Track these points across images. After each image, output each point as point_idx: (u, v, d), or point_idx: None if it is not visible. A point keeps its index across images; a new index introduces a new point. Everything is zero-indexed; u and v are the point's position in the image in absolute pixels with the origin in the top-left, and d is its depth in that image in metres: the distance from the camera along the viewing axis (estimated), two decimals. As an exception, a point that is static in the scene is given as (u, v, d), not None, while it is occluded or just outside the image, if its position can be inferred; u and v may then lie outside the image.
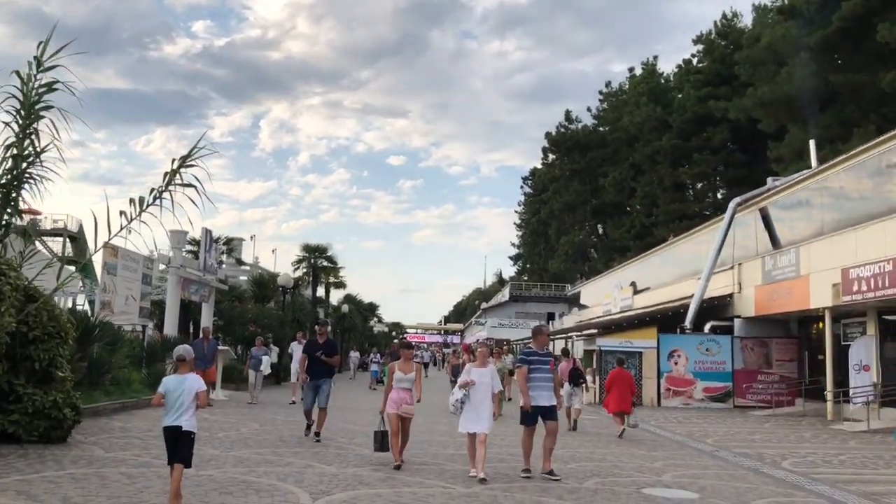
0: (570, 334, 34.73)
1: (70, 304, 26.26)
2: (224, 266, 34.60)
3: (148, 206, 10.55)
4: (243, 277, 36.84)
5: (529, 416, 9.80)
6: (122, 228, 10.40)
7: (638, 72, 78.79)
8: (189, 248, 29.72)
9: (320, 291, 45.32)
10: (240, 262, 39.48)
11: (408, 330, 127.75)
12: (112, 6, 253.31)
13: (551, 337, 47.34)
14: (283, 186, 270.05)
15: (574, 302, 69.22)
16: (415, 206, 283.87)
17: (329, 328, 13.34)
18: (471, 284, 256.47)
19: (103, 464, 8.90)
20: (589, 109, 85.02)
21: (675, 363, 27.17)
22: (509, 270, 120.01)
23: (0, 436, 9.77)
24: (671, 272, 38.04)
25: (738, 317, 27.55)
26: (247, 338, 26.07)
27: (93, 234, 10.33)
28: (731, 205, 29.09)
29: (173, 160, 10.65)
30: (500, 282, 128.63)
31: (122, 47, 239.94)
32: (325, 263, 42.29)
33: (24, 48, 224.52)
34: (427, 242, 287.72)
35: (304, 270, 41.24)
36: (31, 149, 10.89)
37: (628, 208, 73.67)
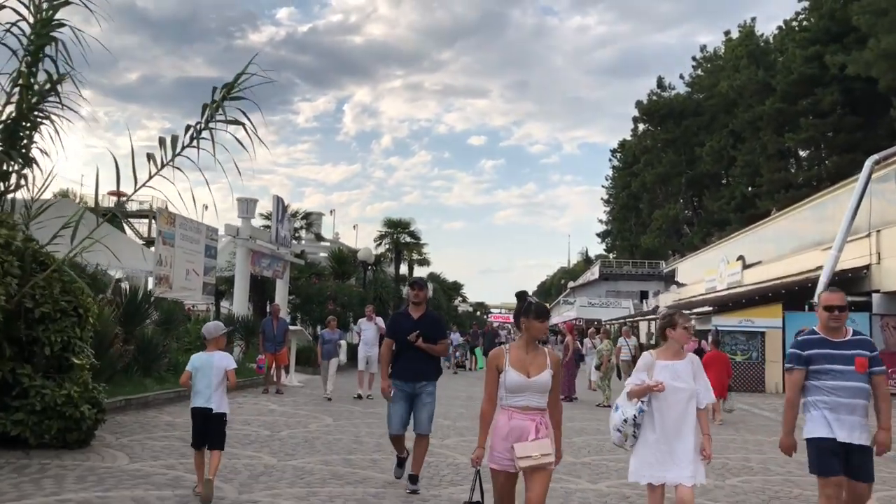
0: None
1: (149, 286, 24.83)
2: (303, 242, 32.79)
3: (184, 147, 8.32)
4: (323, 254, 34.95)
5: (821, 458, 5.10)
6: (150, 177, 8.19)
7: (734, 35, 73.88)
8: (263, 222, 27.95)
9: (403, 269, 43.25)
10: (319, 238, 37.65)
11: (492, 310, 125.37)
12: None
13: (647, 318, 44.24)
14: (367, 169, 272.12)
15: (670, 279, 65.51)
16: (496, 185, 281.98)
17: (429, 292, 7.95)
18: (554, 264, 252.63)
19: (118, 481, 6.72)
20: (682, 77, 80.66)
21: (804, 344, 23.96)
22: (596, 248, 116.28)
23: (2, 439, 7.71)
24: (788, 244, 34.37)
25: (877, 291, 24.08)
26: (325, 317, 24.04)
27: (114, 185, 8.12)
28: (868, 163, 25.34)
29: (214, 89, 8.37)
30: (587, 260, 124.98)
31: (209, 37, 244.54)
32: (408, 239, 40.07)
33: (119, 42, 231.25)
34: (509, 222, 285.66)
35: (387, 246, 39.15)
36: (48, 84, 8.81)
37: (728, 179, 69.31)
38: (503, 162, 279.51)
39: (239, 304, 19.61)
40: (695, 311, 28.73)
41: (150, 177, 8.19)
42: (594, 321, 62.20)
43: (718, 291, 39.11)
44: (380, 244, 38.34)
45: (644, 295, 71.79)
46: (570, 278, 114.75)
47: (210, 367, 6.44)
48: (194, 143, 8.29)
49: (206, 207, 33.88)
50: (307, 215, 33.77)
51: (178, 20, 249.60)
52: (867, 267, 24.67)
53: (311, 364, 20.67)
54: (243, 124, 8.39)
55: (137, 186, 8.17)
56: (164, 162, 8.24)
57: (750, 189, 63.73)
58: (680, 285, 57.20)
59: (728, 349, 23.03)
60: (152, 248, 26.80)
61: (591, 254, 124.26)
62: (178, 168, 8.26)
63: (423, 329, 7.19)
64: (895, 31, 40.48)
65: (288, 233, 22.80)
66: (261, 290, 25.58)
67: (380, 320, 16.33)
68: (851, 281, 24.92)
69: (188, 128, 8.28)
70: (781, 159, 62.03)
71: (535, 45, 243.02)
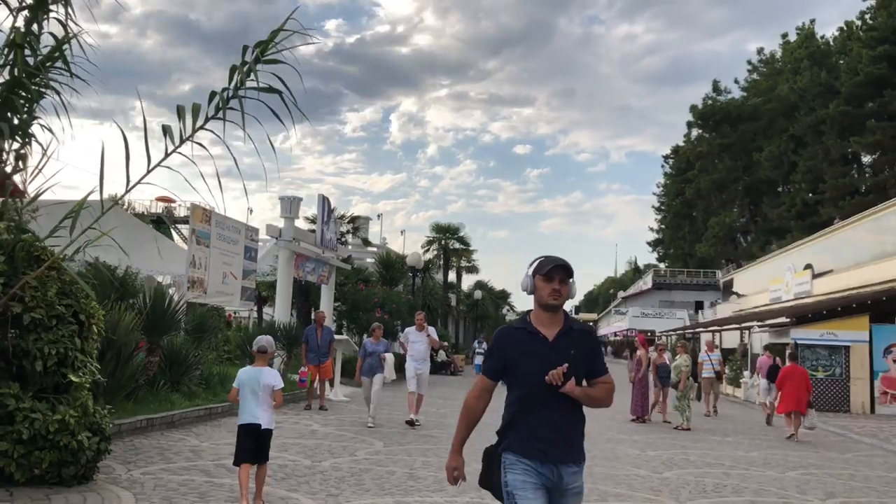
0: (747, 324, 29.46)
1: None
2: (349, 247, 31.46)
3: (208, 119, 6.86)
4: (370, 260, 33.53)
5: None
6: (167, 155, 6.74)
7: (792, 38, 71.33)
8: (309, 226, 26.68)
9: (451, 276, 41.77)
10: (366, 243, 36.30)
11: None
12: (249, 9, 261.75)
13: (709, 329, 42.01)
14: (413, 178, 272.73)
15: (727, 289, 62.99)
16: (541, 194, 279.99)
17: (574, 288, 3.84)
18: (600, 273, 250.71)
19: (114, 538, 5.24)
20: (737, 81, 78.15)
21: (894, 361, 21.85)
22: (645, 257, 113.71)
23: (-18, 474, 6.28)
24: (865, 251, 31.96)
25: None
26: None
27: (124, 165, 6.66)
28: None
29: (245, 48, 6.90)
30: (636, 270, 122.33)
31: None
32: (457, 245, 38.59)
33: (173, 54, 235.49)
34: (555, 231, 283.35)
35: (435, 252, 37.67)
36: (59, 49, 7.43)
37: (788, 186, 66.62)
38: (549, 171, 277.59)
39: (281, 310, 18.19)
40: (768, 322, 26.68)
41: (167, 154, 6.72)
42: (647, 332, 59.86)
43: (784, 302, 36.80)
44: (428, 250, 36.90)
45: (699, 305, 69.35)
46: (618, 288, 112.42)
47: (258, 383, 6.31)
48: (220, 114, 6.81)
49: (251, 211, 32.70)
50: (354, 219, 32.45)
51: (229, 32, 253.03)
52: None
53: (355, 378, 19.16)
54: (280, 92, 6.90)
55: (151, 167, 6.71)
56: (184, 137, 6.78)
57: (811, 196, 61.13)
58: (739, 296, 54.75)
59: (808, 364, 21.05)
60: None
61: (641, 262, 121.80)
62: (201, 145, 6.81)
63: (569, 357, 3.63)
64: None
65: (334, 235, 21.37)
66: (305, 296, 24.27)
67: (432, 330, 13.60)
68: (947, 291, 22.77)
69: (213, 95, 6.81)
70: (845, 164, 59.39)
71: (581, 53, 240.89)
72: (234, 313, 26.52)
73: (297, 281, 19.58)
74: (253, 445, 6.23)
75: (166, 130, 6.72)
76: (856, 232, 34.69)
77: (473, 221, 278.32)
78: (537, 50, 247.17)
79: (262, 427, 6.25)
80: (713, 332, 37.25)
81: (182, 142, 6.80)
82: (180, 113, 6.74)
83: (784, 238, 61.26)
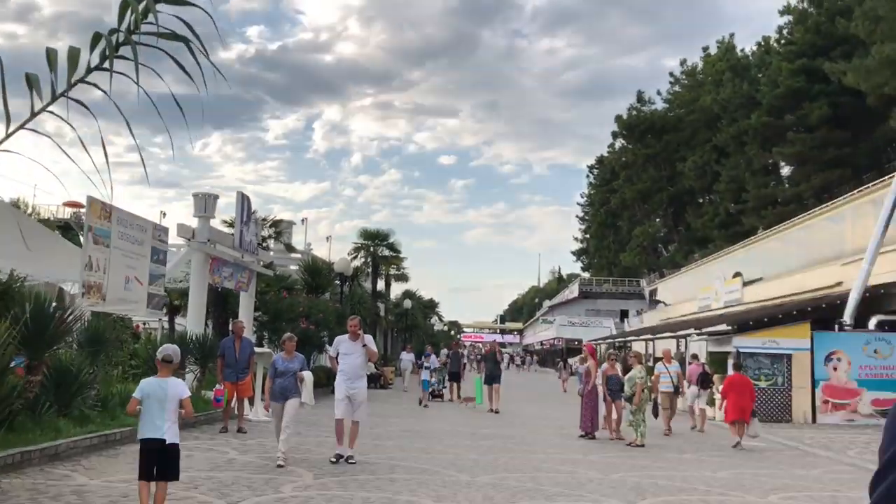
0: (684, 332, 28.80)
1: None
2: (272, 252, 29.60)
3: (90, 71, 5.27)
4: (294, 266, 31.69)
5: None
6: (33, 115, 5.12)
7: (713, 51, 72.70)
8: (228, 230, 24.79)
9: (380, 285, 40.26)
10: (290, 249, 34.30)
11: (465, 329, 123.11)
12: (167, 15, 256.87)
13: (642, 339, 41.69)
14: (336, 187, 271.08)
15: (652, 298, 63.31)
16: (466, 205, 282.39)
17: None
18: (524, 283, 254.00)
19: None
20: (659, 93, 78.99)
21: (835, 368, 21.44)
22: (569, 267, 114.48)
23: None
24: (796, 258, 31.97)
25: (915, 309, 21.66)
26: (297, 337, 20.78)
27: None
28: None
29: (138, -20, 5.34)
30: (560, 279, 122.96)
31: (178, 53, 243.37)
32: (387, 252, 37.14)
33: (87, 57, 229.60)
34: (479, 242, 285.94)
35: (363, 260, 36.11)
36: None
37: (711, 196, 67.58)
38: (473, 181, 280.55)
39: (194, 320, 16.33)
40: (707, 330, 26.04)
41: (33, 114, 5.08)
42: (574, 341, 59.56)
43: (715, 310, 36.62)
44: (356, 257, 35.31)
45: (624, 314, 69.64)
46: (542, 297, 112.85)
47: (164, 395, 5.98)
48: (105, 63, 5.23)
49: (165, 215, 30.57)
50: (276, 223, 30.48)
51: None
52: (903, 282, 22.22)
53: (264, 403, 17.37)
54: (186, 40, 5.38)
55: (10, 131, 5.10)
56: (57, 93, 5.18)
57: (734, 205, 62.10)
58: (667, 304, 54.84)
59: (751, 373, 20.37)
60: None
61: (565, 272, 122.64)
62: (81, 103, 5.22)
63: None
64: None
65: (254, 238, 19.62)
66: (221, 304, 22.39)
67: (369, 339, 10.78)
68: (885, 298, 22.55)
69: (96, 38, 5.23)
70: (767, 175, 60.58)
71: (505, 66, 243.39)
72: (144, 324, 24.44)
73: (212, 287, 17.81)
74: (156, 462, 5.87)
75: (32, 82, 5.12)
76: (783, 241, 34.76)
77: (398, 231, 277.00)
78: (461, 61, 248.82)
79: (168, 442, 5.91)
80: (646, 340, 36.70)
81: (54, 98, 5.18)
82: (50, 60, 5.14)
83: (707, 248, 62.13)
